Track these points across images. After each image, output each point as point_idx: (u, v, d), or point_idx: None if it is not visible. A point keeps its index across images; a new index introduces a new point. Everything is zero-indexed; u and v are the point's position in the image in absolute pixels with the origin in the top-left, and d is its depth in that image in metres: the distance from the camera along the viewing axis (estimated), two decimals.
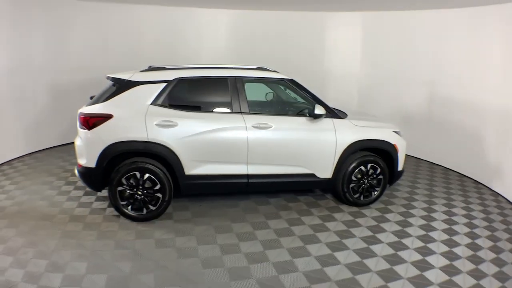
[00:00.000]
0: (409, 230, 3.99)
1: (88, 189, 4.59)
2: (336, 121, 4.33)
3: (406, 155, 4.80)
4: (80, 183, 4.73)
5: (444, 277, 3.17)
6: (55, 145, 6.67)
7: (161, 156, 3.90)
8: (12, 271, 3.04)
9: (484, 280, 3.15)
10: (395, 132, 4.61)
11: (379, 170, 4.47)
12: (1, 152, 5.63)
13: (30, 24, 5.86)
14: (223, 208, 4.37)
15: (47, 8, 6.06)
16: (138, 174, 3.85)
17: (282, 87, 4.82)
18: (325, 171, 4.33)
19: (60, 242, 3.50)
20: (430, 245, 3.69)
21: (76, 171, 4.05)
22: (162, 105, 3.93)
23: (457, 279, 3.15)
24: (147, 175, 3.86)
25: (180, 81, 4.05)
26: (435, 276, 3.18)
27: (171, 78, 4.02)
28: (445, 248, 3.64)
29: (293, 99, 4.80)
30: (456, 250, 3.62)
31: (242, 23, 7.53)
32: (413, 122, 6.63)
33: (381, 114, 6.38)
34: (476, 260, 3.46)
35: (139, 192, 3.88)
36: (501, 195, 5.13)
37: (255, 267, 3.22)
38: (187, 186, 4.04)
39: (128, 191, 3.87)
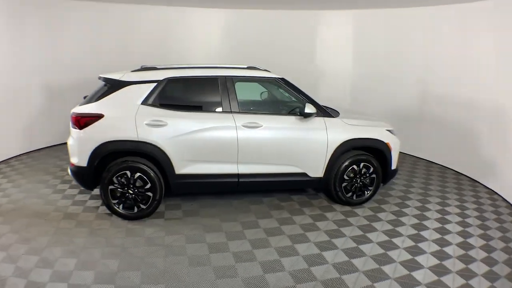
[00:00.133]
0: (400, 229, 3.97)
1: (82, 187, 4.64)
2: (327, 119, 4.31)
3: (403, 153, 4.77)
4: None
5: (432, 277, 3.15)
6: (53, 144, 6.75)
7: (151, 156, 3.92)
8: (3, 266, 3.10)
9: (474, 280, 3.11)
10: (388, 130, 4.58)
11: (372, 169, 4.44)
12: None
13: (23, 24, 5.89)
14: (215, 207, 4.39)
15: (40, 8, 6.10)
16: (129, 173, 3.88)
17: (276, 86, 4.81)
18: (317, 170, 4.32)
19: (52, 239, 3.56)
20: (420, 245, 3.66)
21: (69, 170, 4.09)
22: (152, 105, 3.95)
23: (446, 279, 3.12)
24: (138, 174, 3.89)
25: (170, 80, 4.06)
26: (423, 276, 3.15)
27: (161, 78, 4.04)
28: (436, 248, 3.61)
29: (287, 98, 4.78)
30: (447, 249, 3.59)
31: (235, 23, 7.53)
32: (409, 120, 6.58)
33: (375, 112, 6.34)
34: (467, 259, 3.42)
35: (130, 191, 3.92)
36: (496, 193, 5.07)
37: (241, 266, 3.23)
38: (177, 185, 4.06)
39: (119, 190, 3.90)
